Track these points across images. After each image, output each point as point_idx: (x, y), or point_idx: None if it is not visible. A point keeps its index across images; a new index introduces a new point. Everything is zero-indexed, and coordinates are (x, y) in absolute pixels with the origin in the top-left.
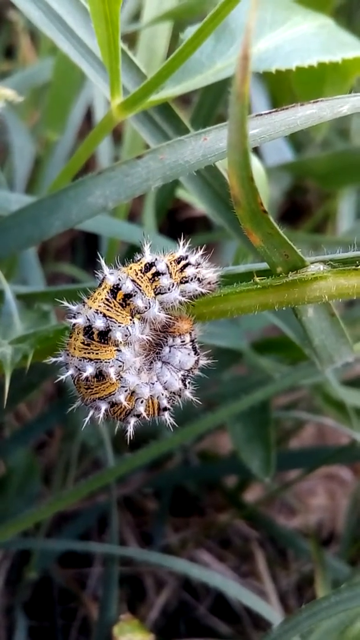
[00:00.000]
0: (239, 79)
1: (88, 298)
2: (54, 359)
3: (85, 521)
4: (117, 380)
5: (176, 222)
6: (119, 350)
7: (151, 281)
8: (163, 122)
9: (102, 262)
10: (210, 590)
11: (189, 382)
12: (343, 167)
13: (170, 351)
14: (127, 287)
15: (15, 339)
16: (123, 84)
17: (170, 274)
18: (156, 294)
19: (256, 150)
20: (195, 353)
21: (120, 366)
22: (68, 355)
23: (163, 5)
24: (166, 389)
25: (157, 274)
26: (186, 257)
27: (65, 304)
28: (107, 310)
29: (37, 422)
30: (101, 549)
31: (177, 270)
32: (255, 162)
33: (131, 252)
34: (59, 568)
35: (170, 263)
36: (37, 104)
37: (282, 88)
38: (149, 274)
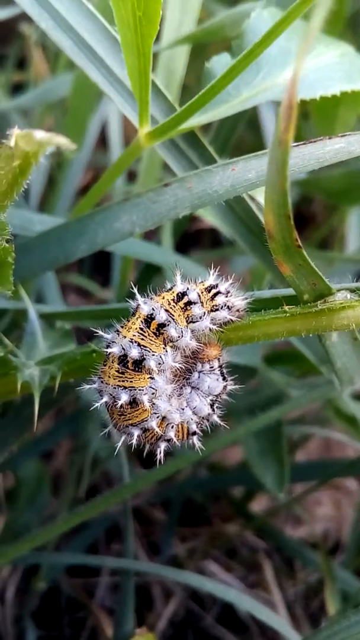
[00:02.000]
0: (283, 127)
1: (121, 326)
2: (88, 386)
3: (94, 532)
4: (150, 407)
5: (185, 234)
6: (152, 378)
7: (184, 310)
8: (188, 149)
9: (136, 291)
10: (218, 600)
11: (217, 407)
12: (356, 186)
13: (199, 377)
14: (161, 317)
15: (41, 360)
16: (151, 113)
17: (202, 302)
18: (188, 323)
19: None
20: (224, 379)
21: (153, 393)
22: (102, 382)
23: (182, 29)
24: (195, 414)
25: (190, 303)
26: (216, 286)
27: (100, 332)
28: (142, 339)
29: (47, 435)
30: (113, 563)
31: (208, 299)
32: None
33: (147, 270)
34: (68, 578)
35: (202, 292)
36: (51, 118)
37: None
38: (181, 304)
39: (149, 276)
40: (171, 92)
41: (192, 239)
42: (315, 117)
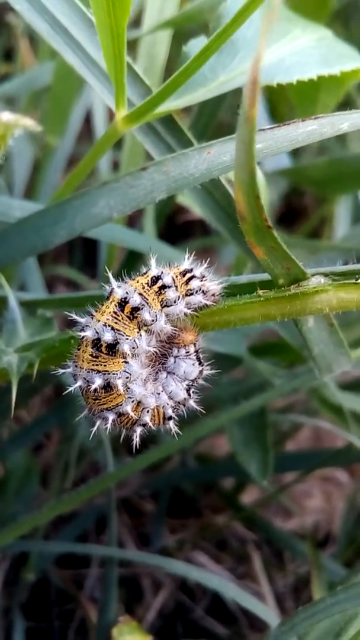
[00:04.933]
0: (248, 103)
1: (96, 311)
2: (62, 370)
3: (83, 522)
4: (124, 391)
5: (174, 226)
6: (126, 362)
7: (158, 294)
8: (166, 134)
9: (110, 274)
10: (207, 592)
11: (193, 392)
12: (340, 174)
13: (175, 362)
14: (135, 300)
15: (20, 347)
16: (128, 97)
17: (176, 286)
18: (163, 307)
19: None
20: (200, 363)
21: (127, 377)
22: (76, 366)
23: (164, 14)
24: (171, 399)
25: (164, 287)
26: (191, 270)
27: (74, 316)
28: (115, 323)
29: (35, 425)
30: (100, 551)
31: (182, 283)
32: (257, 174)
33: (131, 258)
34: (57, 569)
35: (176, 276)
36: (36, 107)
37: (279, 93)
38: (155, 287)
39: (133, 264)
40: (152, 78)
41: (183, 230)
42: (296, 103)
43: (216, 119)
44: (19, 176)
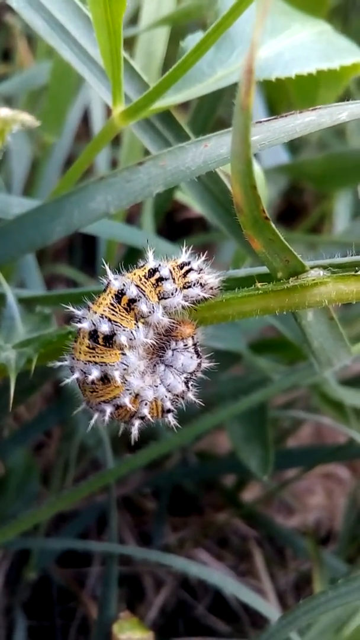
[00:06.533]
0: (243, 92)
1: (93, 303)
2: (59, 363)
3: (84, 521)
4: (121, 383)
5: (174, 223)
6: (123, 354)
7: (155, 286)
8: (164, 129)
9: (107, 267)
10: (209, 590)
11: (191, 385)
12: (339, 169)
13: (173, 354)
14: (132, 292)
15: (18, 343)
16: (125, 92)
17: (174, 279)
18: (160, 299)
19: (253, 153)
20: (198, 356)
21: (125, 369)
22: (74, 359)
23: (161, 10)
24: (169, 392)
25: (161, 279)
26: (189, 263)
27: (71, 308)
28: (112, 314)
29: (35, 423)
30: (100, 547)
31: (180, 276)
32: (255, 168)
33: (130, 254)
34: (58, 568)
35: (174, 268)
36: (34, 106)
37: (279, 90)
38: (152, 279)
39: (132, 261)
40: (150, 75)
41: (182, 228)
42: (295, 99)
43: (215, 115)
44: (17, 175)
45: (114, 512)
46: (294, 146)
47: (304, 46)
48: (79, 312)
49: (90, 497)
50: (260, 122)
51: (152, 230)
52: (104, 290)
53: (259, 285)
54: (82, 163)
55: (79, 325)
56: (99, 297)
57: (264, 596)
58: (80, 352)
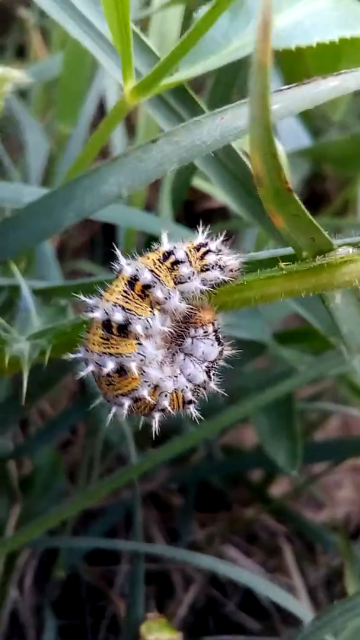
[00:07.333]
0: (260, 49)
1: (105, 291)
2: (73, 356)
3: (111, 518)
4: (139, 374)
5: (193, 214)
6: (140, 344)
7: (170, 270)
8: (178, 106)
9: (119, 252)
10: (239, 587)
11: (213, 374)
12: None
13: (192, 342)
14: (146, 277)
15: (32, 335)
16: (136, 68)
17: (190, 262)
18: (176, 284)
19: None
20: (219, 343)
21: (142, 360)
22: (87, 350)
23: None
24: (190, 382)
25: (176, 262)
26: (206, 244)
27: (82, 297)
28: (126, 302)
29: (60, 420)
30: (127, 546)
31: (197, 258)
32: (278, 145)
33: (149, 243)
34: (87, 566)
35: (190, 251)
36: (50, 99)
37: (296, 68)
38: (167, 263)
39: (149, 248)
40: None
41: (203, 219)
42: (315, 73)
43: (233, 90)
44: (34, 169)
45: (138, 509)
46: (315, 131)
47: (324, 13)
48: (91, 301)
49: (117, 493)
50: (282, 90)
51: (170, 217)
52: (116, 277)
53: (282, 265)
54: (94, 145)
55: (91, 315)
56: (112, 284)
57: (295, 593)
58: (93, 344)
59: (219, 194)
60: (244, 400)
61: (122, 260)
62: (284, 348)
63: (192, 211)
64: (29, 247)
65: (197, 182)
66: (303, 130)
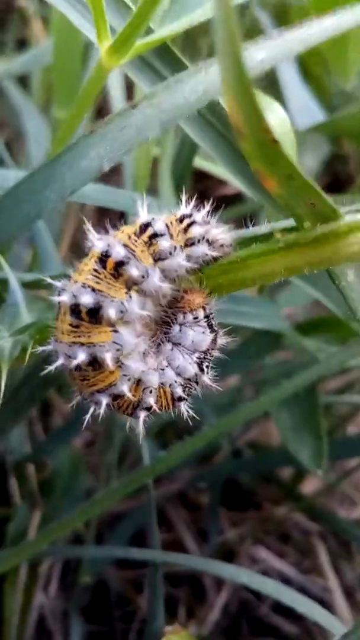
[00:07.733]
0: None
1: (74, 271)
2: (42, 348)
3: (136, 520)
4: (116, 367)
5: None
6: (115, 331)
7: (148, 245)
8: (164, 68)
9: (89, 226)
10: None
11: (207, 366)
12: None
13: (180, 330)
14: (118, 252)
15: (16, 331)
16: (114, 27)
17: (171, 235)
18: (156, 260)
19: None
20: (212, 331)
21: (118, 350)
22: (56, 341)
23: None
24: (179, 375)
25: (155, 235)
26: (190, 215)
27: (50, 280)
28: (96, 282)
29: (77, 420)
30: (142, 555)
31: (180, 231)
32: (278, 110)
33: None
34: (115, 570)
35: (171, 222)
36: (48, 84)
37: (314, 55)
38: (144, 237)
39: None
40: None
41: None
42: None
43: None
44: (36, 158)
45: (153, 514)
46: (331, 108)
47: None
48: (58, 284)
49: (142, 495)
50: (271, 37)
51: (172, 198)
52: (86, 255)
53: (279, 236)
54: (74, 119)
55: (57, 298)
56: (81, 263)
57: (330, 593)
58: (62, 332)
59: (223, 172)
60: (261, 395)
61: (93, 234)
62: (308, 339)
63: (207, 198)
64: (15, 233)
65: (199, 162)
66: (317, 108)
